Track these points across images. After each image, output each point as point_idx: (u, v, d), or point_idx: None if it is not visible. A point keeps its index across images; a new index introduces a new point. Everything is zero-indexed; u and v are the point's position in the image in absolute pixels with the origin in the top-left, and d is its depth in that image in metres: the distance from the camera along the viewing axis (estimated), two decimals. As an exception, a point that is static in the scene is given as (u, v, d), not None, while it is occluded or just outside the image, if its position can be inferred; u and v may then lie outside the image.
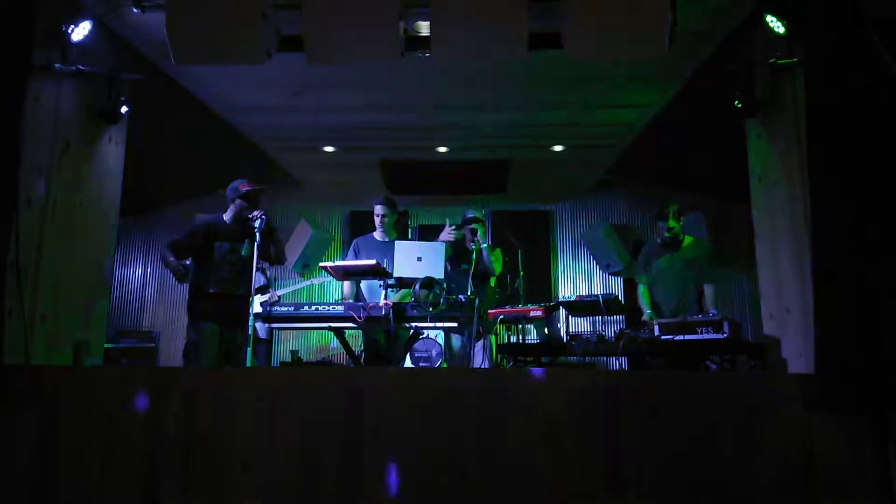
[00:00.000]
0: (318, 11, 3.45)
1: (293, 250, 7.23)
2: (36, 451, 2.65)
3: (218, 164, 6.10)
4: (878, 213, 2.56)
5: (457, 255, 4.91)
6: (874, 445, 2.45)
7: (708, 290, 4.69)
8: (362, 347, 4.79)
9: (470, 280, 4.46)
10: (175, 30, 3.47)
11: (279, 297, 5.88)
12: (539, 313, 4.45)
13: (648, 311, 4.76)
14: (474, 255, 4.60)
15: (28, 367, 3.16)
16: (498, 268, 5.04)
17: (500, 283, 5.48)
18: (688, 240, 4.83)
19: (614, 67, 4.46)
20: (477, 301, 3.95)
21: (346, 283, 4.95)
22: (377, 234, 4.98)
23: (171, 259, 4.12)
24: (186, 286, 4.29)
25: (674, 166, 6.48)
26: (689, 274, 4.71)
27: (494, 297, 5.17)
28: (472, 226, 4.83)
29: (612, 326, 6.10)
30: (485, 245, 4.87)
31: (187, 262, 4.18)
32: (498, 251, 5.15)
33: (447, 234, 4.77)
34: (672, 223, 4.71)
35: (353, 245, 5.05)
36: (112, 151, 4.27)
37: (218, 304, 4.11)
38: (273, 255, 4.31)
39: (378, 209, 4.92)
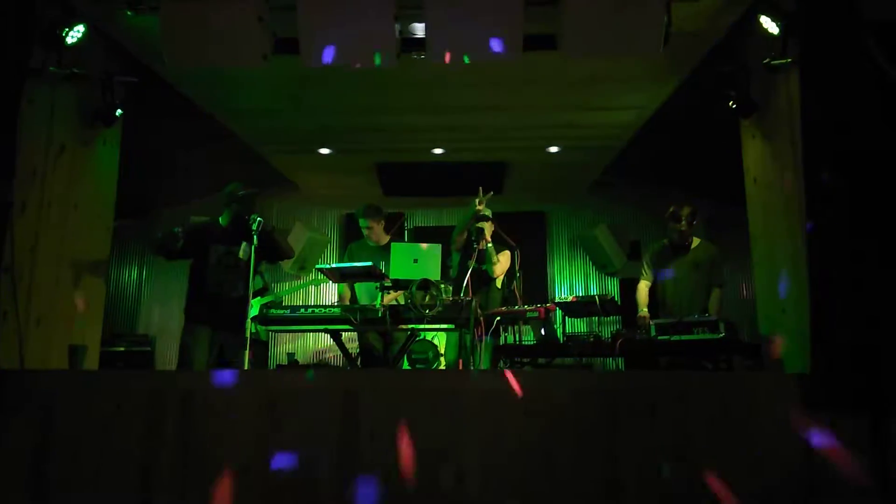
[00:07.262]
0: (313, 14, 3.46)
1: (289, 253, 7.21)
2: (32, 455, 2.63)
3: (213, 166, 6.10)
4: (875, 214, 2.56)
5: (466, 253, 4.66)
6: (872, 446, 2.46)
7: (714, 294, 4.59)
8: (359, 350, 4.78)
9: (468, 278, 4.33)
10: (169, 32, 3.48)
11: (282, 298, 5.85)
12: (536, 314, 4.42)
13: (644, 310, 4.72)
14: (475, 255, 4.43)
15: (23, 371, 3.14)
16: (493, 270, 4.72)
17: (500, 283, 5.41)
18: (695, 242, 4.78)
19: (609, 68, 4.47)
20: (474, 302, 3.93)
21: (344, 286, 4.93)
22: (369, 241, 4.96)
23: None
24: (185, 289, 4.27)
25: (669, 167, 6.49)
26: (698, 277, 4.64)
27: (499, 297, 5.07)
28: (479, 224, 4.54)
29: (608, 327, 6.10)
30: (488, 246, 4.59)
31: (177, 230, 4.07)
32: (506, 252, 4.84)
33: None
34: (684, 226, 4.62)
35: (347, 251, 5.06)
36: (106, 154, 4.26)
37: (212, 306, 4.11)
38: (279, 252, 4.31)
39: (361, 222, 4.88)
